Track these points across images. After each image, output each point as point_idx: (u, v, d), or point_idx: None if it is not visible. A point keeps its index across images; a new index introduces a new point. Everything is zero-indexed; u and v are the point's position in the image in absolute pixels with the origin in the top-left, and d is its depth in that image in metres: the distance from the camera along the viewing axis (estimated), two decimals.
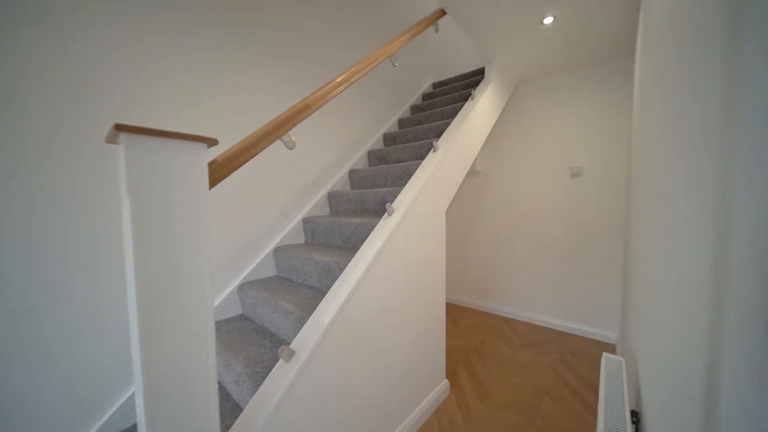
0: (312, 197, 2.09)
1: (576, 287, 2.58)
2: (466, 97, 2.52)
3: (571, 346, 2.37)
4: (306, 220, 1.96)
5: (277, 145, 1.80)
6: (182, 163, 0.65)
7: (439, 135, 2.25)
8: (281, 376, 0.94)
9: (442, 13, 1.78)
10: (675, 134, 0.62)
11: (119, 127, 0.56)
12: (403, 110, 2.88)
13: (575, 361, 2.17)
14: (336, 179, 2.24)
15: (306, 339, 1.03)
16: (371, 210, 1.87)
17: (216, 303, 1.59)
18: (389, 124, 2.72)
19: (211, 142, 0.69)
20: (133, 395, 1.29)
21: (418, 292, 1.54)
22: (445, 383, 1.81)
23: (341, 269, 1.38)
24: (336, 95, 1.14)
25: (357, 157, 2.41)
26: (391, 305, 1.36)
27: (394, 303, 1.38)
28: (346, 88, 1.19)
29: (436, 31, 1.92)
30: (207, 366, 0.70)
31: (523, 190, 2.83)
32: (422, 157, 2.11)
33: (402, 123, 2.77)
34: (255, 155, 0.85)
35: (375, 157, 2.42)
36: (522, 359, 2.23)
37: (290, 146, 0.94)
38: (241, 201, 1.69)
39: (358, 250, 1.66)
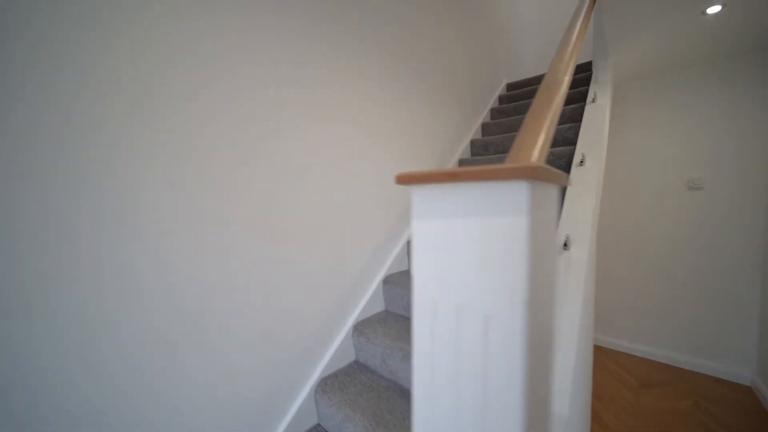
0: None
1: (695, 317, 2.25)
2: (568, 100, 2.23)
3: (697, 388, 2.04)
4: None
5: (373, 168, 1.51)
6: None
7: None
8: None
9: (593, 3, 1.50)
10: None
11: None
12: (483, 114, 2.60)
13: (714, 408, 1.85)
14: None
15: None
16: None
17: (331, 352, 1.30)
18: (473, 130, 2.44)
19: None
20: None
21: (578, 328, 1.24)
22: None
23: None
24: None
25: (450, 166, 2.13)
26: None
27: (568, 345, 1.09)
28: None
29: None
30: None
31: (628, 203, 2.51)
32: None
33: (486, 128, 2.49)
34: None
35: None
36: (648, 404, 1.91)
37: None
38: (345, 225, 1.40)
39: None
